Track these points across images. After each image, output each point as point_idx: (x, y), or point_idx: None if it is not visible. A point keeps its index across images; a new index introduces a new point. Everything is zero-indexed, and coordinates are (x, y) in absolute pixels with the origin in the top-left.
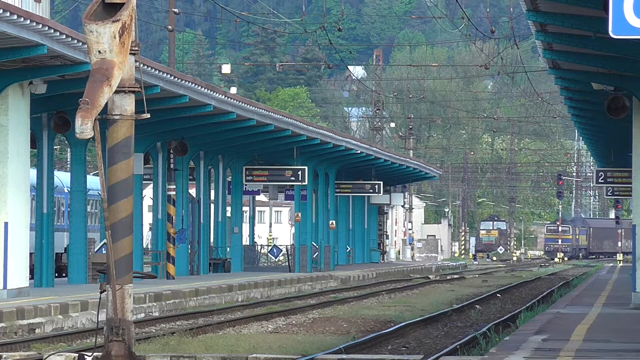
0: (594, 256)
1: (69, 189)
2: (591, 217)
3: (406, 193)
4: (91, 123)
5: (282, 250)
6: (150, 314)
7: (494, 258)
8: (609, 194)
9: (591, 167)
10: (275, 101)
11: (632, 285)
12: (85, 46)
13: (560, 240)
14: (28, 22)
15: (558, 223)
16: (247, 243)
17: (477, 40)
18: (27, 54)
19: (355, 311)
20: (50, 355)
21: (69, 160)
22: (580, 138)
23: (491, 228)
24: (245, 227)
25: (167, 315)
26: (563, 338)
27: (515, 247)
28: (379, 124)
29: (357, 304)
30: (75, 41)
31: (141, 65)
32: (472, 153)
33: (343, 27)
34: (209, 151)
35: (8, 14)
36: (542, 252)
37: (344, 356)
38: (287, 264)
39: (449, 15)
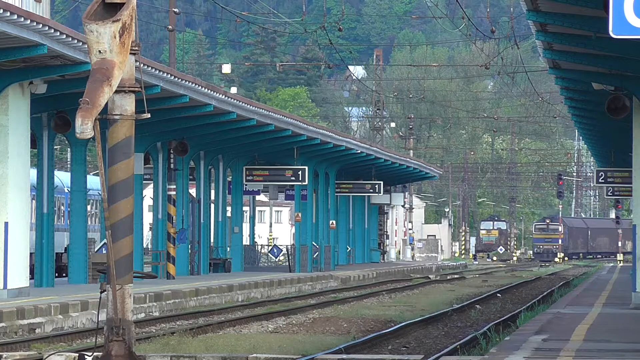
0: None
1: (69, 189)
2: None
3: (406, 193)
4: (91, 123)
5: (282, 250)
6: (151, 313)
7: (494, 258)
8: (609, 194)
9: (591, 167)
10: (275, 101)
11: (632, 285)
12: (85, 46)
13: (560, 240)
14: (28, 22)
15: (547, 221)
16: (247, 243)
17: (477, 40)
18: (27, 54)
19: (355, 311)
20: (50, 355)
21: (69, 160)
22: (580, 138)
23: (491, 228)
24: (246, 227)
25: (167, 315)
26: (563, 338)
27: (515, 247)
28: (379, 124)
29: (357, 303)
30: (75, 41)
31: (141, 65)
32: (472, 153)
33: (343, 27)
34: (209, 151)
35: (8, 14)
36: (532, 254)
37: (344, 356)
38: (287, 264)
39: (449, 15)
